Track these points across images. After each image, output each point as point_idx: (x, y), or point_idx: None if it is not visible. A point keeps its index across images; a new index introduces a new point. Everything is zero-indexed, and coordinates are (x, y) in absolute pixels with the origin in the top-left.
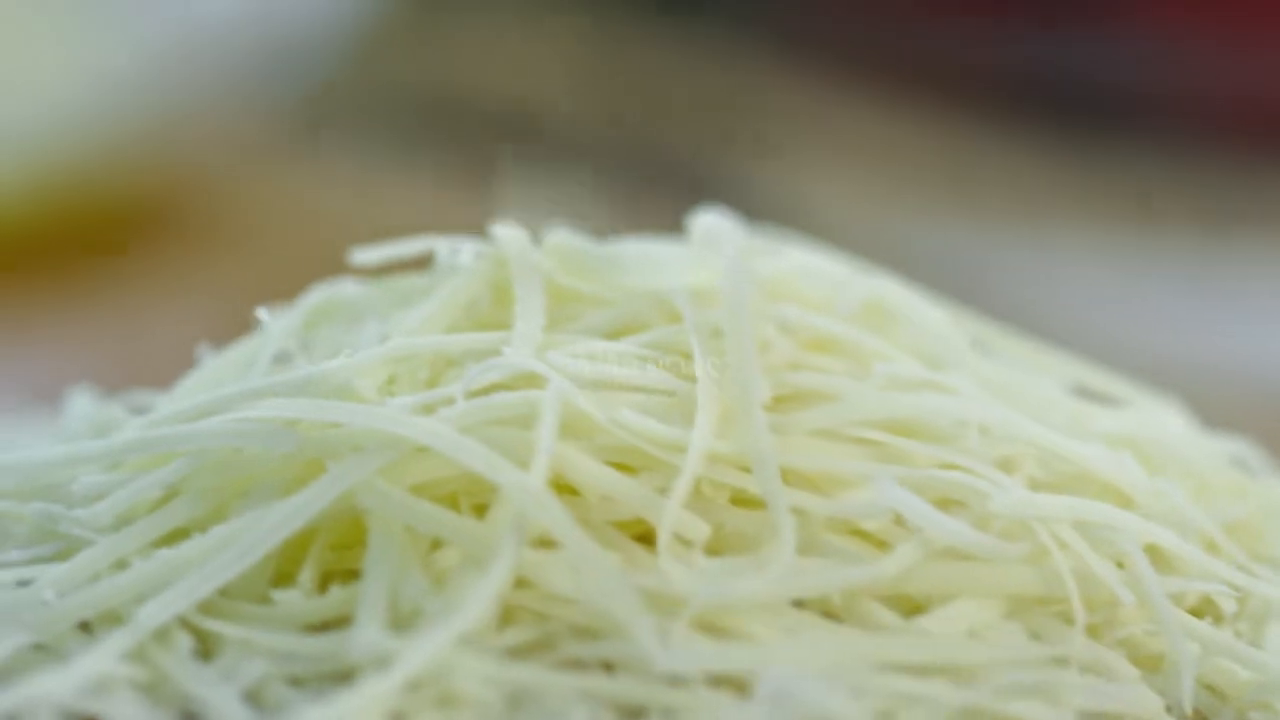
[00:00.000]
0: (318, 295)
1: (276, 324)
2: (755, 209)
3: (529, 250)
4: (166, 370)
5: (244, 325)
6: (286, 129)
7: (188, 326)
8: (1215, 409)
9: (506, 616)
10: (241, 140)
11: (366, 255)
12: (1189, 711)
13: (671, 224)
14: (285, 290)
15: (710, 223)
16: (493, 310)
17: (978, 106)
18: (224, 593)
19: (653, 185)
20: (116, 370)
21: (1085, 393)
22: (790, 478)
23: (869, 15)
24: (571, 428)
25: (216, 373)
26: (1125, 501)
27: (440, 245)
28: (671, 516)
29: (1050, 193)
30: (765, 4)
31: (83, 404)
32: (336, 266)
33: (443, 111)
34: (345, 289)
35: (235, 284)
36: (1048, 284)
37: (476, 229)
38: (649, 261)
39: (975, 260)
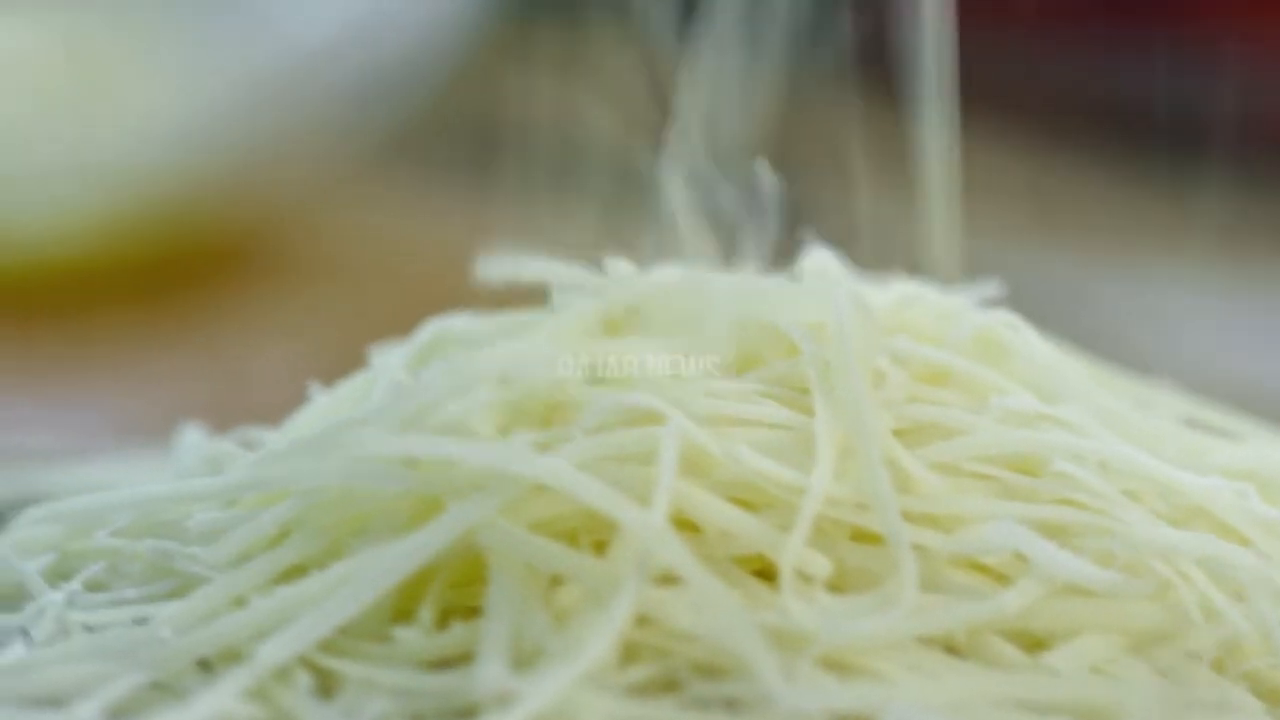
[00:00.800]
0: (430, 330)
1: (389, 359)
2: (847, 241)
3: (642, 283)
4: (268, 404)
5: (345, 357)
6: (382, 160)
7: (287, 359)
8: None
9: (629, 654)
10: (336, 172)
11: (492, 272)
12: None
13: (766, 256)
14: (385, 322)
15: (820, 258)
16: (606, 345)
17: (1068, 135)
18: (344, 630)
19: (748, 217)
20: (218, 405)
21: (1195, 424)
22: (910, 513)
23: (959, 45)
24: (691, 464)
25: (329, 408)
26: (1241, 536)
27: (553, 278)
28: (794, 554)
29: (1143, 221)
30: (848, 31)
31: (194, 440)
32: (436, 298)
33: (537, 143)
34: (456, 323)
35: (333, 317)
36: (1142, 314)
37: (574, 260)
38: (762, 296)
39: (1067, 290)
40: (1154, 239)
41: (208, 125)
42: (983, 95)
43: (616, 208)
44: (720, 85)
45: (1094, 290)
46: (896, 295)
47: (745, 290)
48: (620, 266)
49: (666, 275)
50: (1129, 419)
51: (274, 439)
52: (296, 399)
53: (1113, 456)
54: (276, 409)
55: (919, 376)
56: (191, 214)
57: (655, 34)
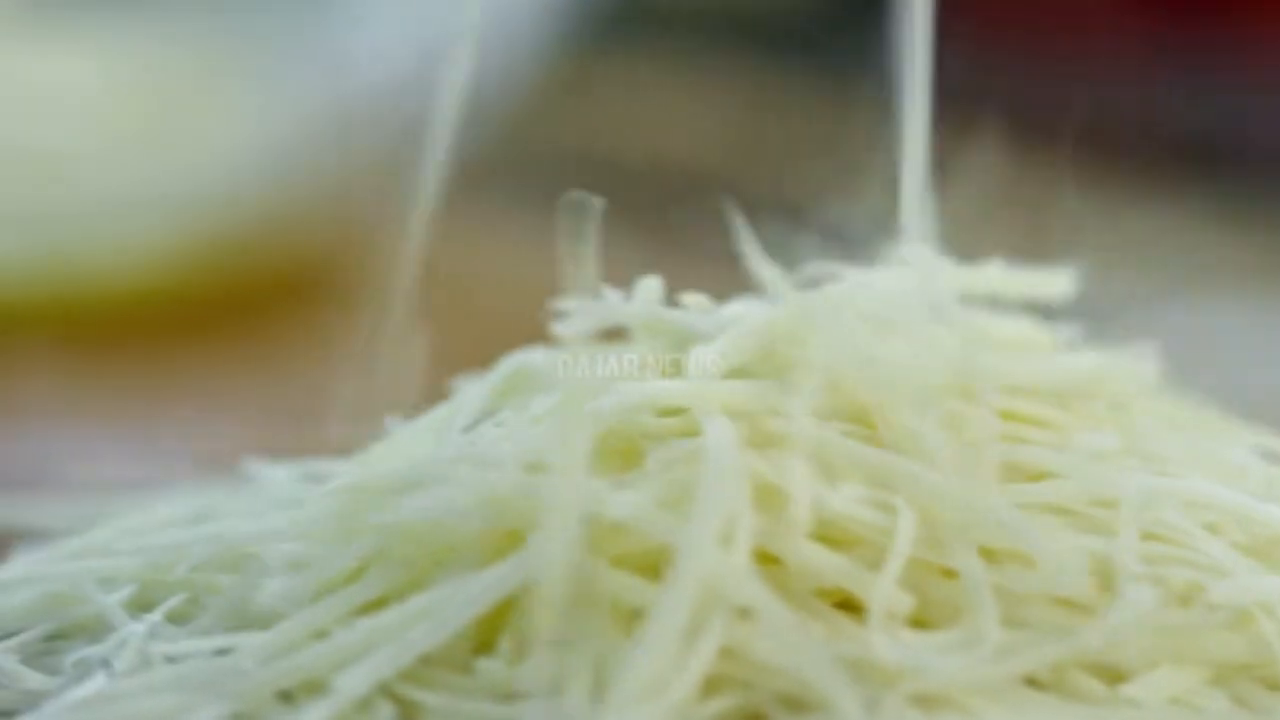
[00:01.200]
0: (509, 364)
1: (468, 394)
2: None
3: (720, 319)
4: (343, 435)
5: (420, 389)
6: (456, 191)
7: (362, 391)
8: None
9: (711, 686)
10: (410, 203)
11: (569, 327)
12: None
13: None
14: (461, 354)
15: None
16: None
17: (1137, 165)
18: (425, 661)
19: (814, 246)
20: (293, 436)
21: (1270, 456)
22: (991, 549)
23: (1029, 75)
24: (772, 500)
25: (406, 442)
26: None
27: (632, 314)
28: (882, 597)
29: (1213, 252)
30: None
31: (269, 474)
32: (511, 331)
33: (605, 173)
34: (535, 358)
35: (409, 349)
36: (1212, 346)
37: (650, 291)
38: (840, 331)
39: (1137, 322)
40: (1226, 270)
41: (280, 156)
42: (1051, 126)
43: (692, 239)
44: (805, 112)
45: (1162, 320)
46: (976, 328)
47: (823, 325)
48: (697, 301)
49: (743, 310)
50: (1208, 450)
51: (351, 471)
52: (371, 431)
53: (1194, 492)
54: (351, 440)
55: (1003, 413)
56: (265, 245)
57: (733, 63)
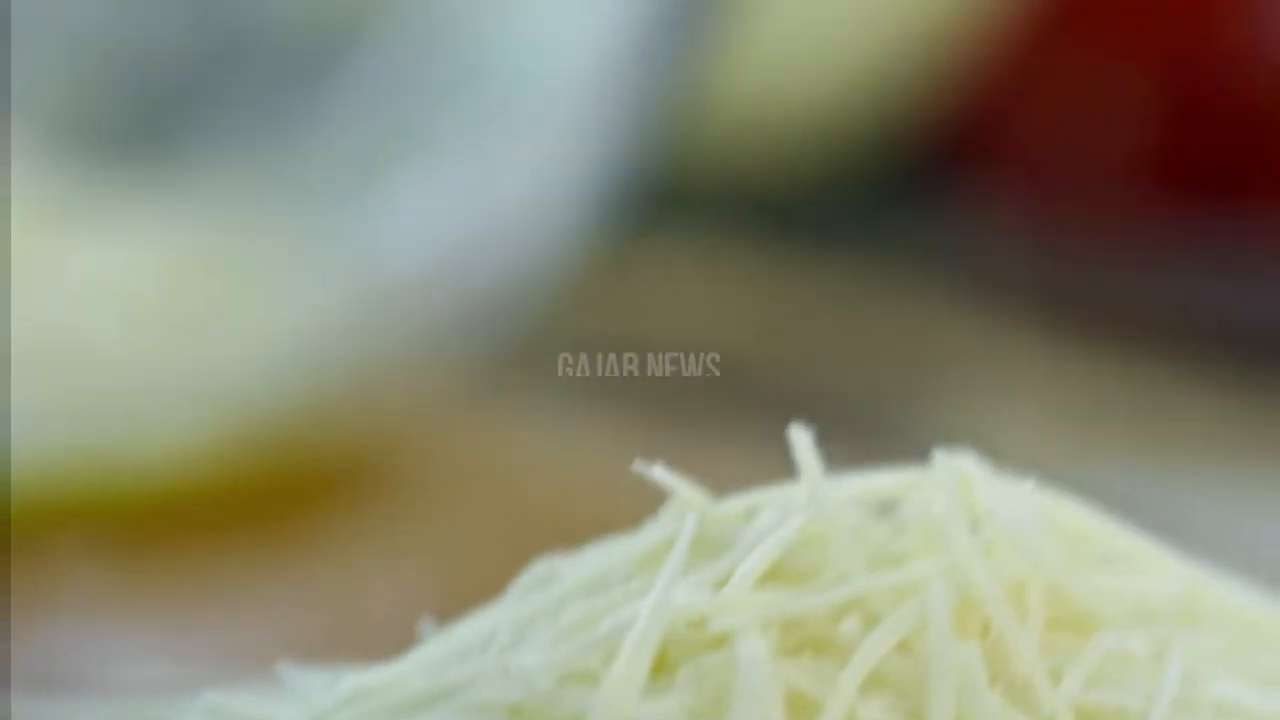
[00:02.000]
0: (534, 575)
1: (496, 609)
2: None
3: (753, 527)
4: (382, 632)
5: (460, 584)
6: (487, 383)
7: (401, 587)
8: None
9: None
10: (448, 394)
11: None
12: None
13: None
14: (499, 549)
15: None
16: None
17: (1165, 349)
18: None
19: (837, 431)
20: (331, 633)
21: None
22: None
23: (1053, 257)
24: (804, 708)
25: (440, 648)
26: None
27: (667, 523)
28: None
29: (1242, 438)
30: (949, 245)
31: (301, 678)
32: (551, 525)
33: (655, 362)
34: (560, 567)
35: (448, 544)
36: (1244, 535)
37: (679, 483)
38: (868, 540)
39: (1166, 508)
40: (1254, 455)
41: (316, 349)
42: (1074, 308)
43: (727, 427)
44: (841, 300)
45: (1191, 507)
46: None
47: (857, 534)
48: (733, 505)
49: (777, 518)
50: (1243, 650)
51: (382, 678)
52: (410, 627)
53: (1226, 698)
54: (391, 637)
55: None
56: (301, 440)
57: (770, 250)
